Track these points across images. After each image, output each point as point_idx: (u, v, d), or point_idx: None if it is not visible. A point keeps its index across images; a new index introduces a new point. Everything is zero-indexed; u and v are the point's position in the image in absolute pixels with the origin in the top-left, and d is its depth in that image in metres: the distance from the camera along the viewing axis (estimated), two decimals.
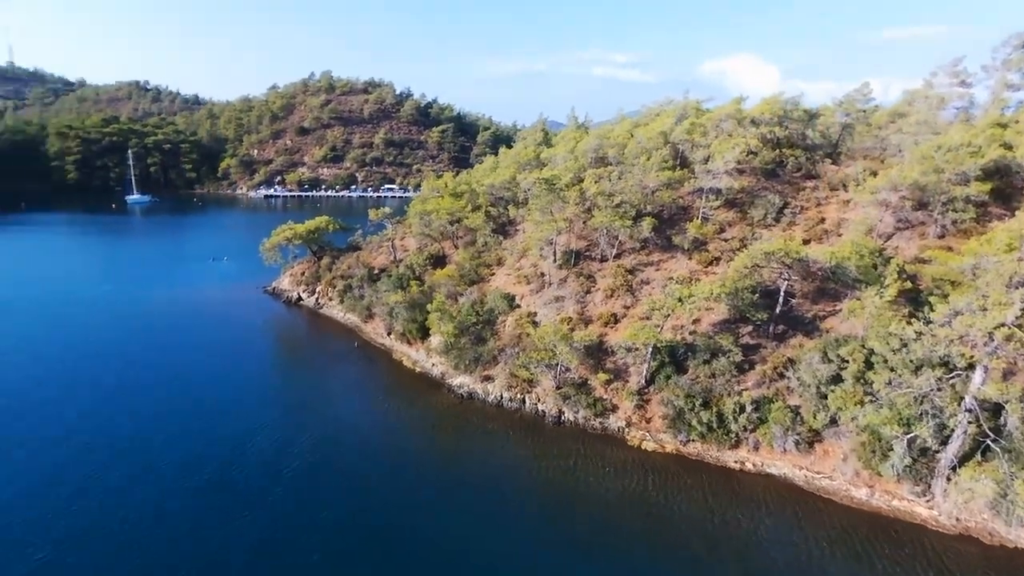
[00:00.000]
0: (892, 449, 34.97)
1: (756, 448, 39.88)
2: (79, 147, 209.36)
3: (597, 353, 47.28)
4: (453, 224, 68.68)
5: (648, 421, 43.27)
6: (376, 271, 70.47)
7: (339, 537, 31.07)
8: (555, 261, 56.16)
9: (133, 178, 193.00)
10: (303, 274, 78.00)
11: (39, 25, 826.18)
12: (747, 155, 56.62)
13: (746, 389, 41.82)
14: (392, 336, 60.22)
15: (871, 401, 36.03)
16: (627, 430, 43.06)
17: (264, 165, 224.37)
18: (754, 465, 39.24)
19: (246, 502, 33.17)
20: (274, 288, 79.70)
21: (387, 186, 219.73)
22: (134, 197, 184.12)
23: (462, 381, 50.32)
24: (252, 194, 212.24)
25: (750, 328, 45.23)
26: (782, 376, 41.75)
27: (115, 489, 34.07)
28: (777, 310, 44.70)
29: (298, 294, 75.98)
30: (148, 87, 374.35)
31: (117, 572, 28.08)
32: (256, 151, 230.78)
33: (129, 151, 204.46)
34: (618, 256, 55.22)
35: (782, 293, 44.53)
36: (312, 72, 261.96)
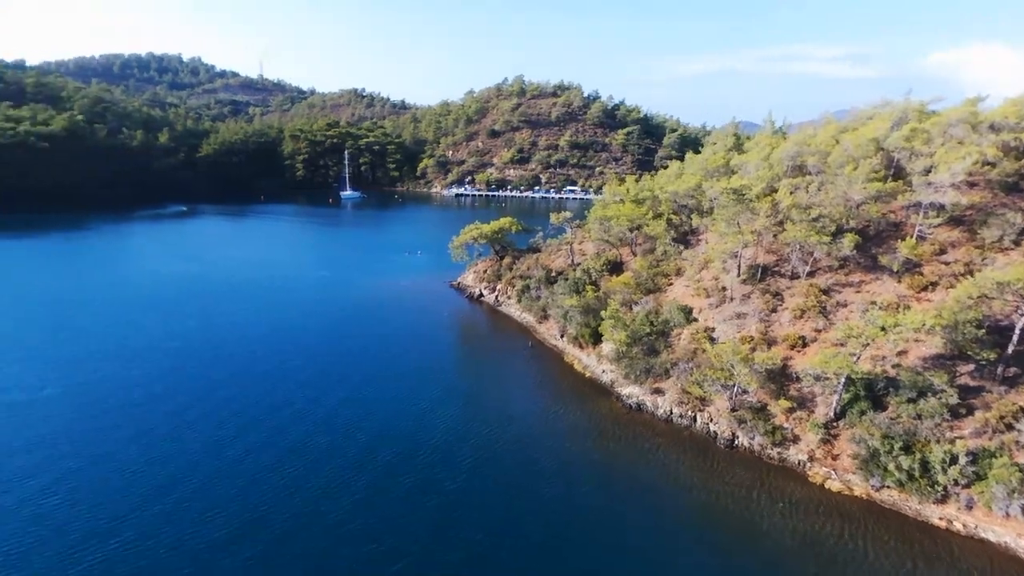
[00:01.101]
0: None
1: (969, 507, 34.50)
2: (307, 148, 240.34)
3: (779, 377, 44.10)
4: (632, 231, 68.09)
5: (834, 458, 39.46)
6: (553, 273, 72.23)
7: (493, 537, 32.47)
8: (739, 275, 53.29)
9: (347, 176, 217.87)
10: (485, 272, 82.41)
11: (283, 44, 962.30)
12: (981, 166, 48.97)
13: (961, 437, 36.33)
14: (565, 339, 61.43)
15: None
16: (809, 465, 39.66)
17: (457, 165, 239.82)
18: (965, 526, 33.99)
19: (421, 489, 35.85)
20: (459, 283, 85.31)
21: (569, 188, 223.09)
22: (347, 193, 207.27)
23: (631, 391, 49.89)
24: (445, 192, 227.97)
25: (971, 367, 39.21)
26: (1010, 428, 35.63)
27: (296, 469, 38.76)
28: (1009, 350, 38.20)
29: (480, 291, 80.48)
30: (364, 94, 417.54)
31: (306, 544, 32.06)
32: (451, 152, 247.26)
33: (345, 152, 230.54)
34: (811, 274, 50.87)
35: (1017, 331, 37.96)
36: (505, 77, 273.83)
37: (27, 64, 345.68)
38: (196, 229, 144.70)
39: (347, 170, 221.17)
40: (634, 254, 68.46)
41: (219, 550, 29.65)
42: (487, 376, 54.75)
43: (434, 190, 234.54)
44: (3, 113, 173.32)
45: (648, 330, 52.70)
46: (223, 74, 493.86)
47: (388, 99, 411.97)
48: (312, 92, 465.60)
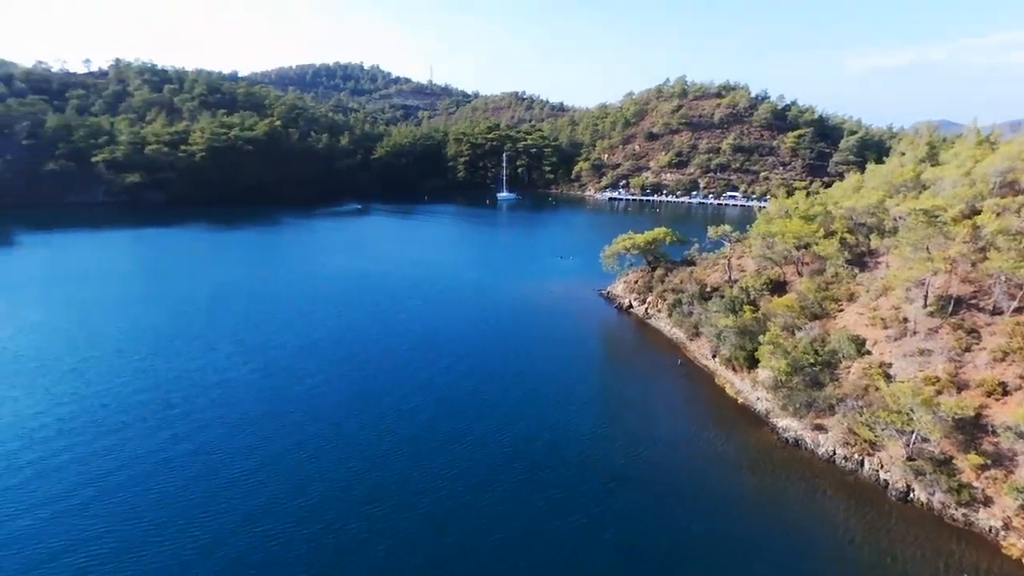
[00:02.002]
0: None
1: None
2: (468, 150, 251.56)
3: (971, 428, 38.73)
4: (800, 249, 63.33)
5: None
6: (708, 289, 69.32)
7: (632, 563, 31.92)
8: (925, 306, 47.51)
9: (504, 178, 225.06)
10: (636, 283, 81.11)
11: (450, 50, 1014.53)
12: None
13: None
14: (717, 360, 58.77)
15: None
16: (1004, 534, 34.44)
17: (612, 169, 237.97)
18: None
19: (559, 504, 36.15)
20: (608, 292, 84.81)
21: (730, 194, 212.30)
22: (503, 194, 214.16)
23: (788, 424, 46.55)
24: (598, 196, 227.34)
25: None
26: None
27: (439, 468, 40.64)
28: None
29: (629, 301, 79.40)
30: (524, 96, 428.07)
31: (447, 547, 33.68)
32: (606, 155, 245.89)
33: (504, 154, 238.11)
34: (1019, 311, 44.05)
35: None
36: (667, 78, 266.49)
37: (239, 75, 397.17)
38: (368, 226, 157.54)
39: (504, 172, 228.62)
40: (800, 274, 63.65)
41: (358, 545, 32.11)
42: (633, 391, 53.88)
43: (587, 193, 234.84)
44: (219, 120, 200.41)
45: (812, 360, 48.79)
46: (397, 80, 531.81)
47: (547, 101, 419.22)
48: (475, 95, 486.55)
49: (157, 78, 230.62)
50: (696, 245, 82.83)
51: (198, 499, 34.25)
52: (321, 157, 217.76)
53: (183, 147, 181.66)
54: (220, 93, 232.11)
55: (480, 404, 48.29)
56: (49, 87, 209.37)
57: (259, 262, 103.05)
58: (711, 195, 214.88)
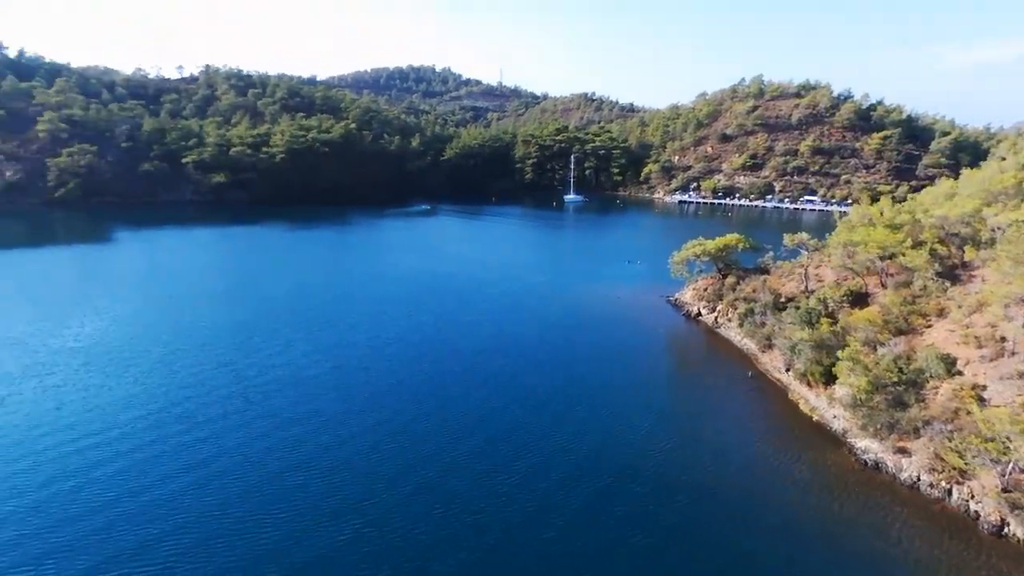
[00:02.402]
0: None
1: None
2: (536, 152, 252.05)
3: None
4: (884, 259, 59.96)
5: None
6: (783, 299, 66.67)
7: None
8: None
9: (572, 180, 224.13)
10: (706, 290, 78.97)
11: (521, 52, 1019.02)
12: None
13: None
14: (791, 373, 56.41)
15: None
16: None
17: (682, 171, 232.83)
18: None
19: (632, 523, 35.47)
20: (676, 299, 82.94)
21: (807, 198, 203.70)
22: (570, 196, 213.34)
23: (868, 445, 44.11)
24: (667, 199, 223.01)
25: None
26: None
27: (510, 482, 40.64)
28: None
29: (698, 309, 77.39)
30: (593, 97, 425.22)
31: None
32: (677, 157, 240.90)
33: (572, 156, 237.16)
34: None
35: None
36: (742, 78, 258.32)
37: (317, 79, 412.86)
38: (436, 227, 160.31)
39: (572, 174, 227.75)
40: (884, 286, 60.26)
41: (431, 549, 32.57)
42: (701, 403, 52.43)
43: (656, 196, 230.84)
44: (298, 123, 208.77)
45: (896, 378, 46.06)
46: (467, 82, 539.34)
47: (617, 102, 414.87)
48: (545, 97, 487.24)
49: (242, 83, 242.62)
50: (770, 252, 79.80)
51: (274, 495, 35.59)
52: (393, 158, 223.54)
53: (264, 149, 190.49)
54: (300, 97, 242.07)
55: (547, 414, 48.12)
56: (146, 92, 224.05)
57: (333, 261, 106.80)
58: (787, 199, 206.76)
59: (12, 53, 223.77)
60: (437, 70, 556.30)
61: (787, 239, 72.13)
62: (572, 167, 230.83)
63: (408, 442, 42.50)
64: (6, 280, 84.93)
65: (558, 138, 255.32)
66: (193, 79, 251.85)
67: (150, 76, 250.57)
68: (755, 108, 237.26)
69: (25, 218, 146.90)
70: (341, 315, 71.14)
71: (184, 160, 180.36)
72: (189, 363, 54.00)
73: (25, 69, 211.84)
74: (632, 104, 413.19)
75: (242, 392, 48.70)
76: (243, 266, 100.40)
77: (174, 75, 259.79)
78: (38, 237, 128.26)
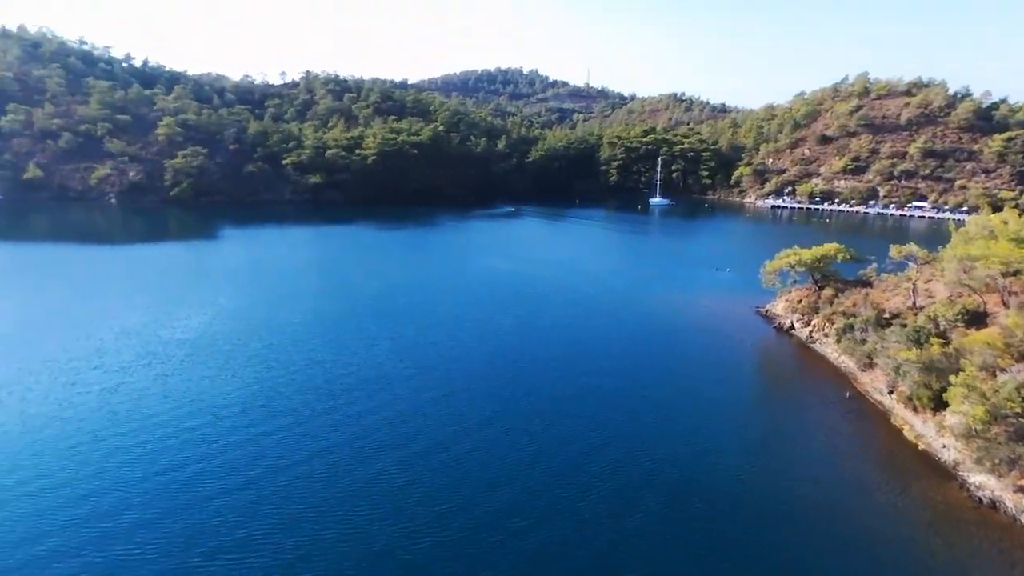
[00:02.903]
0: None
1: None
2: (622, 154, 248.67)
3: None
4: (1007, 276, 54.55)
5: None
6: (887, 315, 62.05)
7: None
8: None
9: (658, 182, 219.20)
10: (800, 302, 74.86)
11: (610, 53, 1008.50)
12: None
13: None
14: (894, 396, 52.38)
15: None
16: None
17: (776, 175, 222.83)
18: None
19: (694, 542, 34.14)
20: (767, 310, 79.13)
21: (916, 204, 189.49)
22: (656, 199, 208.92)
23: (983, 481, 40.17)
24: (759, 203, 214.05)
25: None
26: None
27: (571, 488, 39.82)
28: None
29: (791, 322, 73.45)
30: (682, 98, 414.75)
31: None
32: (771, 160, 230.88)
33: (659, 158, 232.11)
34: None
35: None
36: (846, 75, 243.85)
37: (408, 83, 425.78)
38: (519, 229, 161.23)
39: (658, 176, 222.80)
40: (1005, 305, 54.81)
41: (494, 546, 32.40)
42: (790, 423, 49.63)
43: (747, 200, 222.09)
44: (389, 125, 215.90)
45: (1018, 409, 41.69)
46: (554, 84, 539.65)
47: (707, 103, 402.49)
48: (632, 97, 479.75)
49: (339, 87, 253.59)
50: (873, 264, 74.58)
51: (348, 490, 36.53)
52: (479, 160, 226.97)
53: (358, 151, 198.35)
54: (391, 100, 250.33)
55: (626, 431, 46.84)
56: (252, 97, 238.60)
57: (419, 261, 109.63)
58: (892, 205, 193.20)
59: (138, 63, 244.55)
60: (524, 72, 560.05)
61: (893, 250, 67.09)
62: (659, 169, 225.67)
63: (481, 447, 42.50)
64: (128, 273, 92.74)
65: (645, 140, 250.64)
66: (294, 84, 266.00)
67: (256, 82, 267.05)
68: (859, 108, 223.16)
69: (145, 214, 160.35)
70: (425, 315, 72.65)
71: (284, 162, 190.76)
72: (283, 359, 56.68)
73: (149, 77, 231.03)
74: (724, 104, 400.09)
75: (328, 388, 50.55)
76: (334, 264, 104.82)
77: (277, 81, 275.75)
78: (155, 233, 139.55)
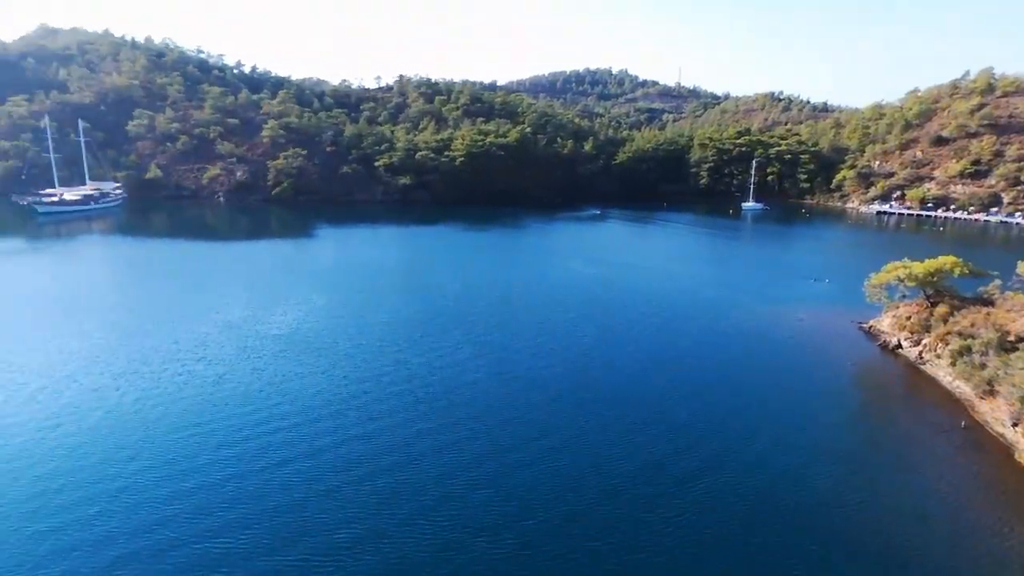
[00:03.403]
0: None
1: None
2: (714, 156, 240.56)
3: None
4: None
5: None
6: (1011, 338, 56.26)
7: None
8: None
9: (752, 186, 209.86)
10: (908, 319, 69.31)
11: (702, 51, 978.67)
12: None
13: None
14: (1018, 429, 47.36)
15: None
16: None
17: (883, 178, 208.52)
18: None
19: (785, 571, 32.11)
20: (871, 327, 73.81)
21: None
22: (748, 204, 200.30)
23: None
24: (863, 209, 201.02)
25: None
26: None
27: (666, 517, 38.26)
28: None
29: (898, 341, 68.13)
30: (780, 97, 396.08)
31: None
32: (878, 163, 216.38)
33: (753, 161, 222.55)
34: None
35: None
36: (967, 70, 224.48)
37: (497, 84, 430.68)
38: (604, 232, 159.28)
39: (752, 179, 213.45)
40: None
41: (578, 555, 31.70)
42: (898, 455, 45.68)
43: (850, 205, 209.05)
44: (477, 128, 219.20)
45: None
46: (644, 83, 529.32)
47: (807, 102, 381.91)
48: (726, 96, 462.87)
49: (430, 90, 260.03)
50: (996, 280, 67.93)
51: (433, 500, 36.81)
52: (565, 162, 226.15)
53: (446, 153, 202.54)
54: (480, 102, 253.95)
55: (709, 448, 44.81)
56: (349, 101, 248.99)
57: (503, 263, 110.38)
58: (1018, 213, 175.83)
59: (247, 69, 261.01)
60: (613, 72, 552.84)
61: (1021, 266, 60.84)
62: (753, 173, 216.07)
63: (565, 463, 41.54)
64: (232, 269, 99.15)
65: (739, 141, 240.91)
66: (388, 88, 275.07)
67: (352, 86, 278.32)
68: (981, 106, 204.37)
69: (249, 212, 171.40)
70: (506, 320, 72.86)
71: (376, 163, 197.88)
72: (369, 359, 58.27)
73: (256, 82, 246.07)
74: (825, 103, 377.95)
75: (413, 391, 51.31)
76: (420, 264, 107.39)
77: (372, 85, 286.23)
78: (257, 230, 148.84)
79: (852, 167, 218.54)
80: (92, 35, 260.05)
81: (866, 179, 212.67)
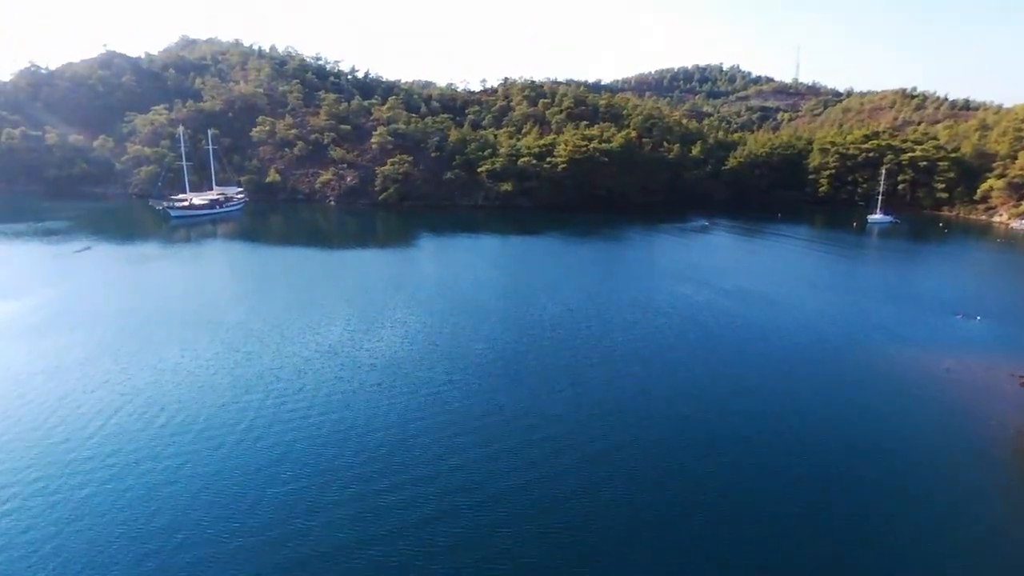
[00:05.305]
0: None
1: None
2: (836, 162, 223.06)
3: None
4: None
5: None
6: None
7: None
8: None
9: (880, 196, 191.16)
10: None
11: (823, 42, 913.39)
12: None
13: None
14: None
15: None
16: None
17: None
18: None
19: None
20: None
21: None
22: (875, 216, 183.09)
23: None
24: (1013, 224, 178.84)
25: None
26: None
27: None
28: None
29: None
30: (913, 93, 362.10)
31: None
32: None
33: (883, 167, 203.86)
34: None
35: None
36: None
37: (602, 83, 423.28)
38: (711, 248, 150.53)
39: (880, 188, 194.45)
40: None
41: None
42: None
43: (997, 219, 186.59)
44: (580, 132, 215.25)
45: None
46: (757, 80, 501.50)
47: (945, 98, 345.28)
48: (848, 93, 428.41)
49: (534, 93, 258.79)
50: None
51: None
52: (670, 167, 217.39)
53: (548, 159, 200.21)
54: (584, 105, 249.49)
55: (815, 543, 39.23)
56: (454, 105, 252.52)
57: (603, 281, 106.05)
58: None
59: (360, 74, 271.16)
60: (724, 69, 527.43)
61: None
62: (882, 181, 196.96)
63: (671, 510, 37.86)
64: (337, 277, 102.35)
65: (865, 146, 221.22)
66: (493, 91, 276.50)
67: (458, 89, 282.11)
68: None
69: (357, 216, 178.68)
70: (609, 354, 68.61)
71: (479, 169, 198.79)
72: (464, 400, 55.67)
73: (368, 88, 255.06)
74: (967, 101, 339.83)
75: (505, 444, 48.81)
76: (519, 279, 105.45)
77: (478, 87, 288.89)
78: (364, 235, 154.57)
79: (1001, 176, 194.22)
80: (225, 45, 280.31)
81: (1018, 190, 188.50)
